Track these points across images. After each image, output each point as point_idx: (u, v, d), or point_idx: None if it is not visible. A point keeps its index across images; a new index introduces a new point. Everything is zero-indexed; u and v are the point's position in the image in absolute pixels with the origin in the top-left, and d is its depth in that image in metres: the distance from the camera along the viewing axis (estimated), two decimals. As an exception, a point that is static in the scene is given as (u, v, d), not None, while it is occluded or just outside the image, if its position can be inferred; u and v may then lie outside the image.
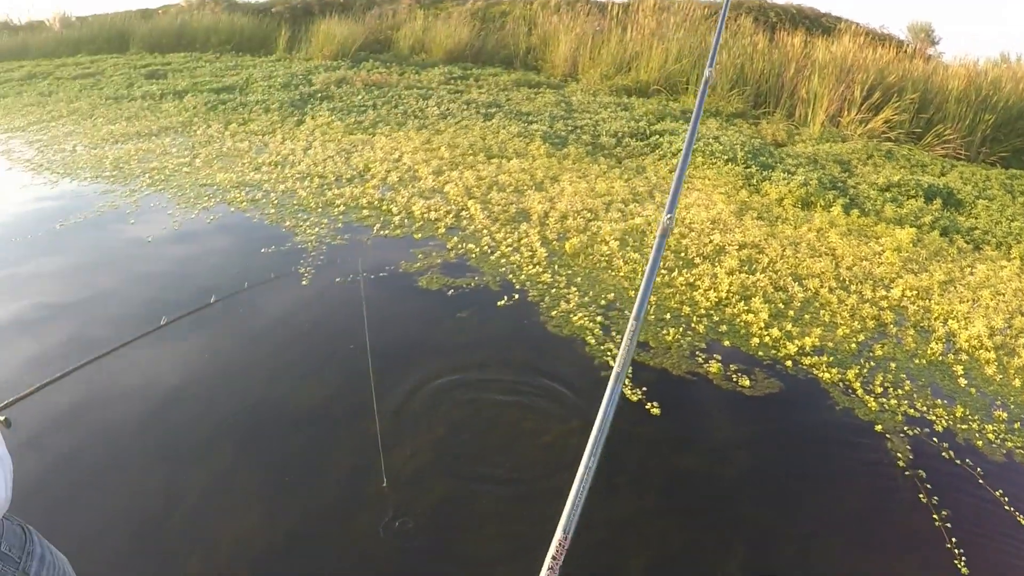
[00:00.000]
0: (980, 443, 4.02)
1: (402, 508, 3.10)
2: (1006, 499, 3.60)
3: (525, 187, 7.45)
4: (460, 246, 5.82)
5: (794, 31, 14.56)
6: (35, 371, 4.05)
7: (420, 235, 6.06)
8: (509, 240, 5.95)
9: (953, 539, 3.27)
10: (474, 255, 5.67)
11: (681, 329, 4.66)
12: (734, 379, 4.18)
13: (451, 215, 6.49)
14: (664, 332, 4.61)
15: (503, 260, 5.59)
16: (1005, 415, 4.35)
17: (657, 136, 10.17)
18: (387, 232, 6.11)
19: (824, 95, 12.32)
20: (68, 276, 5.45)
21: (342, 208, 6.62)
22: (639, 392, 3.91)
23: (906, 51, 14.41)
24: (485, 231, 6.14)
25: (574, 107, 11.98)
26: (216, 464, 3.40)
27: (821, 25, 16.10)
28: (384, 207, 6.68)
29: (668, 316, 4.85)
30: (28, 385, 2.30)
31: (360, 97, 11.56)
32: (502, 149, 8.88)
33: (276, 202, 6.75)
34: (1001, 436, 4.13)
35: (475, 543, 2.98)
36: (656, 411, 3.78)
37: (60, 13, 17.95)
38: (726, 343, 4.59)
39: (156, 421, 3.70)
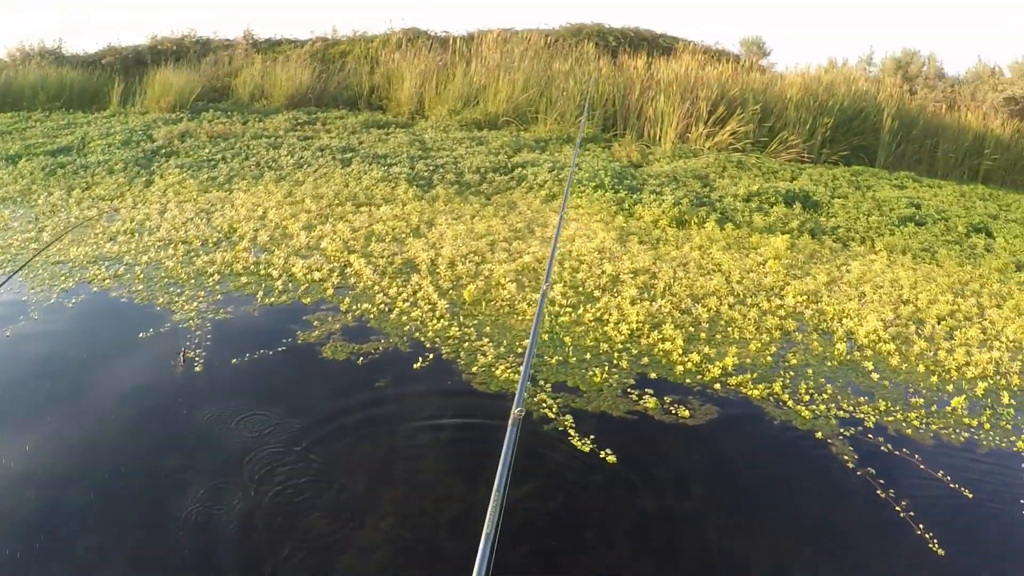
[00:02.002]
0: (909, 431, 4.37)
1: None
2: (948, 478, 3.93)
3: (403, 235, 7.32)
4: (355, 307, 5.59)
5: (635, 53, 15.29)
6: None
7: (309, 299, 5.76)
8: (404, 295, 5.79)
9: (920, 525, 3.51)
10: (372, 315, 5.47)
11: (605, 367, 4.69)
12: (672, 411, 4.24)
13: (335, 273, 6.24)
14: (590, 373, 4.62)
15: (404, 317, 5.42)
16: (921, 401, 4.75)
17: (520, 169, 10.32)
18: (273, 299, 5.77)
19: (671, 113, 12.97)
20: None
21: (216, 277, 6.19)
22: (588, 441, 3.88)
23: (743, 65, 15.48)
24: (376, 287, 5.95)
25: (429, 145, 11.97)
26: None
27: (659, 46, 17.05)
28: (262, 271, 6.32)
29: (588, 356, 4.87)
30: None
31: (207, 150, 11.01)
32: (369, 196, 8.71)
33: (143, 276, 6.21)
34: (924, 421, 4.52)
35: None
36: (612, 459, 3.75)
37: None
38: (652, 375, 4.66)
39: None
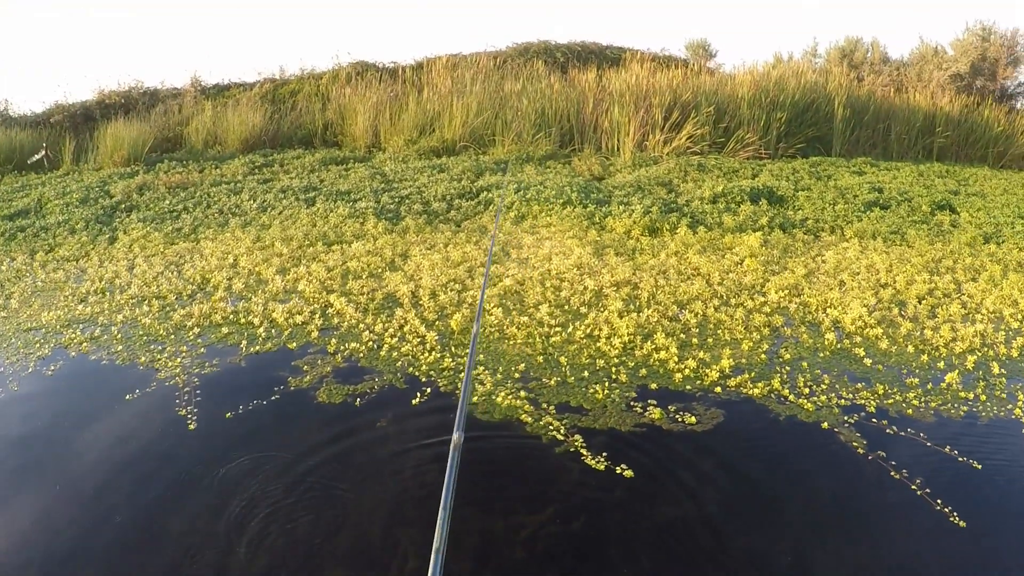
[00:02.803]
0: (910, 411, 4.48)
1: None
2: (955, 452, 4.04)
3: (379, 270, 7.31)
4: (343, 347, 5.54)
5: (584, 67, 15.48)
6: None
7: (295, 344, 5.69)
8: (390, 330, 5.77)
9: (938, 501, 3.61)
10: (362, 354, 5.42)
11: (605, 383, 4.72)
12: (679, 419, 4.28)
13: (317, 315, 6.18)
14: (591, 391, 4.63)
15: (395, 353, 5.39)
16: (916, 380, 4.87)
17: (485, 193, 10.39)
18: (258, 348, 5.69)
19: (627, 123, 13.13)
20: None
21: (196, 330, 6.08)
22: (602, 459, 3.88)
23: (692, 68, 15.73)
24: (361, 325, 5.91)
25: (390, 177, 11.99)
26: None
27: (607, 57, 17.30)
28: (242, 320, 6.23)
29: (586, 374, 4.89)
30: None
31: (168, 202, 10.91)
32: (339, 234, 8.69)
33: (120, 336, 6.07)
34: (923, 400, 4.63)
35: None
36: (629, 473, 3.77)
37: None
38: (653, 386, 4.70)
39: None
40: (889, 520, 3.54)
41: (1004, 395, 4.72)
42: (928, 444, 4.10)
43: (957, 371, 4.95)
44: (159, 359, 5.58)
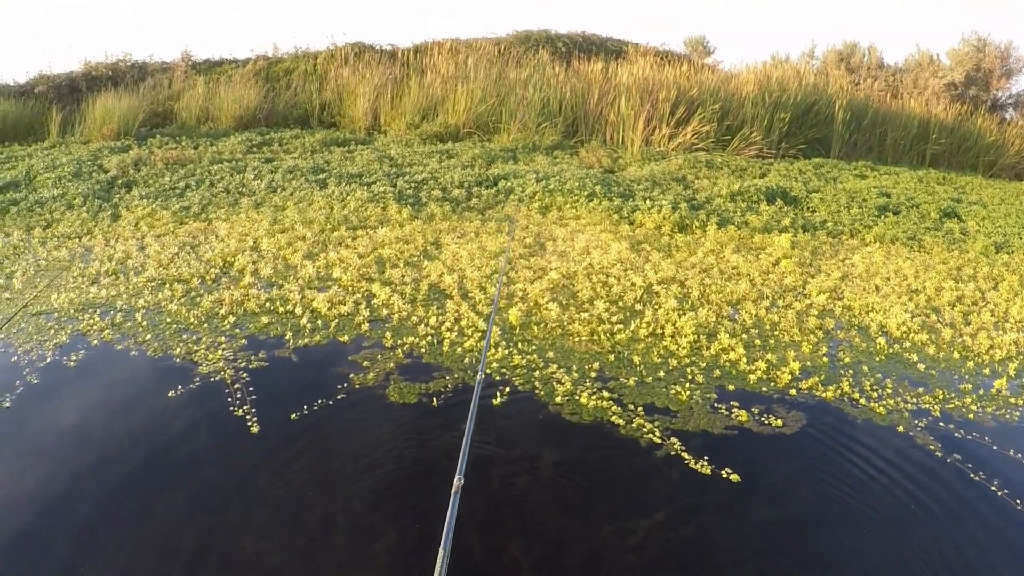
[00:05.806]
0: (971, 416, 4.73)
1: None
2: (1020, 456, 4.31)
3: (415, 258, 7.26)
4: (400, 341, 5.42)
5: (588, 58, 15.53)
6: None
7: (346, 337, 5.53)
8: (446, 324, 5.72)
9: (1017, 501, 3.88)
10: (423, 349, 5.34)
11: (685, 384, 4.85)
12: (766, 422, 4.43)
13: (362, 305, 6.03)
14: (673, 391, 4.75)
15: (459, 349, 5.35)
16: (969, 386, 5.12)
17: (503, 181, 10.41)
18: (306, 340, 5.48)
19: (633, 116, 13.23)
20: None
21: (231, 319, 5.75)
22: (704, 462, 3.99)
23: (695, 64, 15.87)
24: (413, 317, 5.82)
25: (399, 162, 11.96)
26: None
27: (609, 49, 17.40)
28: (281, 308, 6.01)
29: (662, 373, 5.00)
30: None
31: (167, 179, 10.65)
32: (362, 219, 8.63)
33: (145, 324, 5.67)
34: (979, 404, 4.89)
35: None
36: (735, 477, 3.88)
37: None
38: (730, 387, 4.85)
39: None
40: (977, 519, 3.75)
41: (1050, 402, 4.97)
42: (995, 448, 4.33)
43: (1004, 378, 5.18)
44: (196, 350, 5.26)
